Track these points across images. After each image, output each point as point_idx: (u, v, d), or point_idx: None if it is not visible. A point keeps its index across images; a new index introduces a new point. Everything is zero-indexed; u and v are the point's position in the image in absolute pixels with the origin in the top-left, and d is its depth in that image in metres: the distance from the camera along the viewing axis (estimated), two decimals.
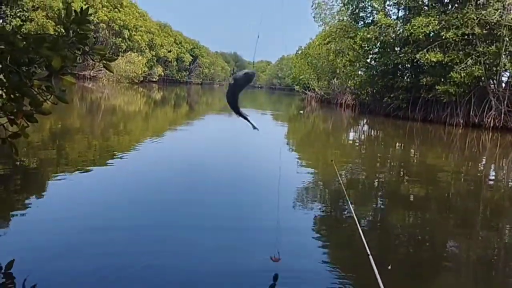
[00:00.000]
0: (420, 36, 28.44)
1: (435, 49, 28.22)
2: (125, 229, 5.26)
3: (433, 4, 30.70)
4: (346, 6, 38.24)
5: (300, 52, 66.20)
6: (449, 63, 27.89)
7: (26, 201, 6.07)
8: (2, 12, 43.27)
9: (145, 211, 6.11)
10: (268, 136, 16.51)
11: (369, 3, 36.06)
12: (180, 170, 9.25)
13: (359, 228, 3.39)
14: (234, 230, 5.61)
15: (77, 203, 6.15)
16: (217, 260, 4.56)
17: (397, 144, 19.74)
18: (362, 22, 37.83)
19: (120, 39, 68.94)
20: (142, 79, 68.91)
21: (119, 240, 4.91)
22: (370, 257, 2.86)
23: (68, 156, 9.84)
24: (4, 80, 3.47)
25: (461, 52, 27.77)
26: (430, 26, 27.81)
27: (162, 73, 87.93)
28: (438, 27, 27.74)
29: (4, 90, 3.56)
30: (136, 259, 4.41)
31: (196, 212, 6.24)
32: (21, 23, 43.63)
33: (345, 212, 6.74)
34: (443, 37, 27.44)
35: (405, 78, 34.54)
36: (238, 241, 5.22)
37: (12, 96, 3.55)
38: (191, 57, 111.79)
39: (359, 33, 34.40)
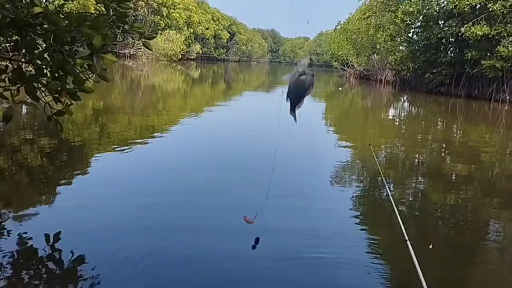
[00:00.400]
0: (466, 9, 27.29)
1: (481, 22, 27.08)
2: (163, 204, 5.39)
3: None
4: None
5: (339, 27, 64.92)
6: (496, 37, 26.71)
7: (71, 177, 6.28)
8: None
9: (183, 189, 6.22)
10: (305, 115, 16.35)
11: None
12: (217, 150, 9.33)
13: (396, 212, 3.33)
14: (269, 206, 5.64)
15: (118, 180, 6.33)
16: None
17: (439, 121, 19.20)
18: None
19: (158, 17, 69.42)
20: (180, 57, 69.32)
21: (156, 214, 5.04)
22: (408, 243, 2.81)
23: (110, 134, 10.08)
24: (49, 59, 3.57)
25: (509, 25, 26.49)
26: None
27: (200, 51, 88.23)
28: None
29: (48, 69, 3.66)
30: (171, 233, 4.52)
31: (228, 192, 6.31)
32: (63, 2, 44.47)
33: (383, 195, 6.64)
34: (490, 9, 26.24)
35: (449, 53, 33.40)
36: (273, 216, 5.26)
37: (56, 74, 3.64)
38: (228, 34, 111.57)
39: (400, 7, 33.38)
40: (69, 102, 3.82)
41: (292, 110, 2.73)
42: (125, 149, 8.24)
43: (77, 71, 3.58)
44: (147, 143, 9.20)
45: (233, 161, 8.26)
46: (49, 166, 6.84)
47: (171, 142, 9.53)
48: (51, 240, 4.09)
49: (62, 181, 6.02)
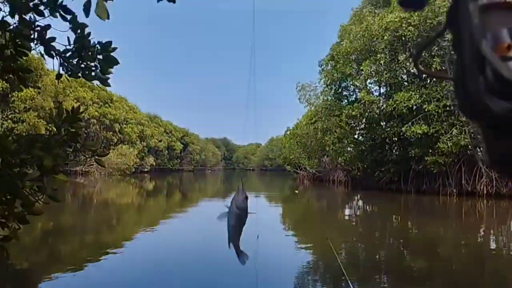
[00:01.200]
0: (404, 110, 29.26)
1: (419, 122, 28.93)
2: None
3: (412, 79, 31.96)
4: (329, 87, 39.64)
5: (288, 132, 67.54)
6: (435, 134, 28.47)
7: None
8: None
9: None
10: (263, 218, 16.30)
11: (351, 82, 37.44)
12: (175, 264, 8.99)
13: None
14: None
15: None
16: None
17: (394, 218, 19.55)
18: (346, 100, 39.06)
19: (111, 132, 70.04)
20: (134, 170, 69.15)
21: None
22: None
23: (60, 255, 9.57)
24: None
25: (445, 123, 28.46)
26: (412, 100, 28.71)
27: (154, 163, 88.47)
28: (420, 100, 28.63)
29: None
30: None
31: None
32: (13, 125, 44.40)
33: None
34: (426, 110, 28.23)
35: (394, 151, 35.09)
36: None
37: (3, 198, 3.51)
38: (181, 145, 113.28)
39: (344, 111, 35.35)
40: (16, 227, 3.64)
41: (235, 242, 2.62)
42: (76, 271, 7.79)
43: (27, 193, 3.46)
44: (99, 262, 8.76)
45: (187, 272, 7.94)
46: None
47: (122, 262, 9.08)
48: None
49: None
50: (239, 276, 7.84)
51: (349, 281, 4.12)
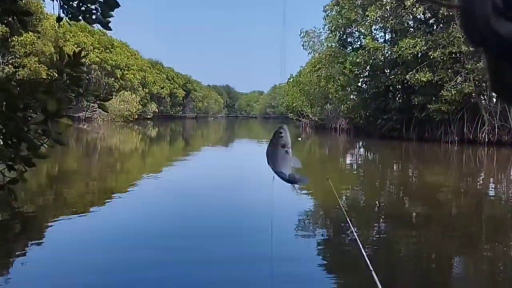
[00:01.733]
0: (408, 57, 28.89)
1: (424, 69, 28.62)
2: (125, 271, 5.20)
3: (419, 26, 31.33)
4: (333, 33, 38.94)
5: (291, 80, 66.98)
6: (439, 82, 28.25)
7: (25, 247, 6.00)
8: None
9: (142, 251, 6.04)
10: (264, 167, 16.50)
11: (356, 29, 36.75)
12: (178, 205, 9.21)
13: (363, 251, 3.36)
14: (232, 259, 5.56)
15: (76, 247, 6.09)
16: None
17: (395, 165, 19.76)
18: (350, 47, 38.49)
19: (112, 79, 69.63)
20: (136, 116, 69.26)
21: (118, 282, 4.85)
22: (374, 273, 2.83)
23: (66, 199, 9.79)
24: (1, 127, 3.50)
25: (450, 71, 28.18)
26: (417, 47, 28.29)
27: (156, 110, 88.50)
28: (425, 47, 28.21)
29: (1, 137, 3.58)
30: None
31: (194, 245, 6.20)
32: (14, 70, 44.07)
33: (347, 235, 6.70)
34: (431, 57, 27.87)
35: (397, 99, 34.94)
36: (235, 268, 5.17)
37: (9, 142, 3.56)
38: (184, 92, 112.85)
39: (348, 58, 34.94)
40: (23, 169, 3.72)
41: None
42: (82, 215, 8.00)
43: (32, 137, 3.51)
44: (105, 207, 8.97)
45: (190, 216, 8.15)
46: (2, 238, 6.53)
47: (127, 205, 9.29)
48: None
49: (16, 254, 5.74)
50: (252, 219, 8.06)
51: (350, 223, 4.22)
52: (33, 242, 6.26)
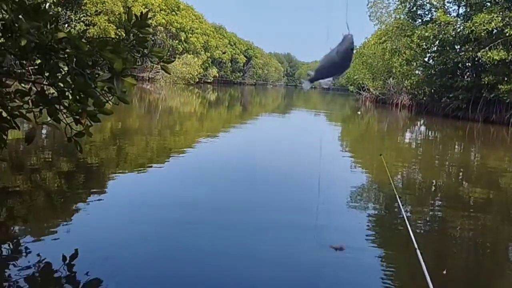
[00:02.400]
0: (482, 34, 27.28)
1: (498, 47, 27.00)
2: (180, 226, 5.41)
3: (496, 0, 29.35)
4: (403, 4, 37.29)
5: (354, 51, 65.14)
6: None
7: (88, 197, 6.36)
8: (67, 17, 45.45)
9: (198, 209, 6.25)
10: (321, 137, 16.42)
11: (428, 0, 34.98)
12: (234, 170, 9.38)
13: (409, 229, 3.31)
14: (285, 227, 5.64)
15: (135, 200, 6.39)
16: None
17: (456, 146, 19.03)
18: (419, 20, 36.78)
19: (176, 41, 70.71)
20: (197, 80, 70.31)
21: (174, 236, 5.06)
22: (418, 252, 2.80)
23: (128, 155, 10.21)
24: (71, 82, 3.68)
25: None
26: (493, 23, 26.62)
27: (217, 74, 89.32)
28: (502, 23, 26.50)
29: (70, 92, 3.77)
30: (189, 256, 4.55)
31: (247, 210, 6.34)
32: (85, 28, 45.69)
33: (397, 216, 6.60)
34: (507, 34, 26.18)
35: (465, 77, 33.28)
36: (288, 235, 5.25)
37: (77, 97, 3.76)
38: (245, 58, 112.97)
39: (416, 31, 33.48)
40: (89, 124, 3.92)
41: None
42: (142, 171, 8.35)
43: (98, 93, 3.68)
44: (163, 164, 9.31)
45: (251, 184, 8.30)
46: (67, 188, 6.95)
47: (185, 165, 9.59)
48: (67, 260, 4.14)
49: (79, 202, 6.10)
50: (300, 191, 8.12)
51: (399, 200, 4.17)
52: (94, 193, 6.62)
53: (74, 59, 3.59)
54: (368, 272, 4.55)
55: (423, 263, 2.66)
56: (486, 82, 28.44)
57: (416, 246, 2.93)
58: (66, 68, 3.74)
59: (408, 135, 22.84)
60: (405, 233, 3.41)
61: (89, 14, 48.78)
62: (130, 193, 6.78)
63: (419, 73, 38.61)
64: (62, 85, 3.77)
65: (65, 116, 3.94)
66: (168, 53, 63.71)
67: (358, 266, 4.63)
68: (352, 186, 8.49)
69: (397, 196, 4.59)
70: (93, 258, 4.23)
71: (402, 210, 4.82)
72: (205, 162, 9.97)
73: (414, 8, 36.71)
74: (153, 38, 63.05)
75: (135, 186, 7.24)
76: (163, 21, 65.99)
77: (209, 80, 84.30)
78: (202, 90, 57.23)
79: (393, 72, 46.37)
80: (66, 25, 45.08)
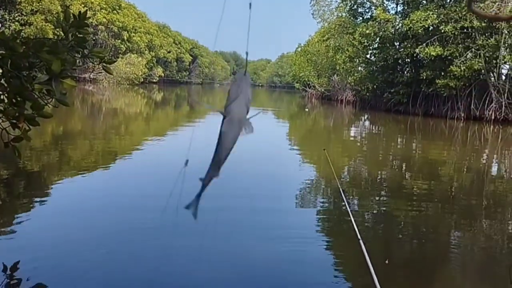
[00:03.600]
0: (419, 31, 28.46)
1: (434, 43, 28.23)
2: (126, 229, 5.30)
3: None
4: (344, 2, 38.27)
5: (299, 49, 66.20)
6: (449, 57, 27.93)
7: (30, 204, 6.11)
8: (0, 17, 43.34)
9: (145, 213, 6.14)
10: (269, 134, 16.55)
11: None
12: (173, 170, 9.27)
13: (354, 223, 3.41)
14: (231, 225, 5.65)
15: (79, 206, 6.19)
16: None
17: (399, 139, 19.75)
18: (360, 18, 37.85)
19: (119, 40, 68.96)
20: (142, 80, 68.93)
21: (121, 240, 4.95)
22: (361, 241, 2.89)
23: (70, 159, 9.88)
24: (6, 85, 3.51)
25: (460, 46, 27.80)
26: (429, 20, 27.83)
27: (162, 74, 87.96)
28: (437, 21, 27.74)
29: (6, 95, 3.60)
30: (137, 260, 4.46)
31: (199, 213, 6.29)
32: (20, 28, 43.71)
33: (342, 210, 6.77)
34: (442, 31, 27.45)
35: (405, 72, 34.59)
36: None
37: (13, 100, 3.58)
38: (190, 57, 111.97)
39: (358, 29, 34.42)
40: (27, 128, 3.75)
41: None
42: (85, 175, 8.09)
43: (36, 96, 3.53)
44: (109, 168, 9.08)
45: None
46: (6, 195, 6.64)
47: (133, 167, 9.39)
48: (9, 271, 3.96)
49: (20, 210, 5.84)
50: (241, 188, 8.13)
51: (342, 194, 4.29)
52: (36, 199, 6.36)
53: (9, 61, 3.43)
54: (314, 263, 4.64)
55: (366, 253, 2.74)
56: (424, 77, 29.68)
57: (359, 236, 3.02)
58: (0, 71, 3.56)
59: (353, 130, 23.49)
60: (349, 224, 3.50)
61: (24, 14, 46.73)
62: (74, 198, 6.56)
63: (362, 69, 39.77)
64: None
65: (1, 120, 3.76)
66: (111, 53, 62.16)
67: (305, 258, 4.72)
68: (299, 182, 8.62)
69: (340, 190, 4.71)
70: (36, 266, 4.07)
71: (346, 203, 4.97)
72: (151, 165, 9.77)
73: (355, 6, 37.75)
74: (94, 38, 61.21)
75: (78, 191, 7.02)
76: (104, 20, 64.14)
77: (154, 80, 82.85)
78: (148, 90, 56.25)
79: (337, 69, 47.48)
80: (0, 25, 42.98)
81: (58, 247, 4.62)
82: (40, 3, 48.43)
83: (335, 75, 50.20)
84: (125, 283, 3.93)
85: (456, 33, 27.29)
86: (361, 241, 2.92)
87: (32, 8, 47.66)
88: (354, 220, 3.43)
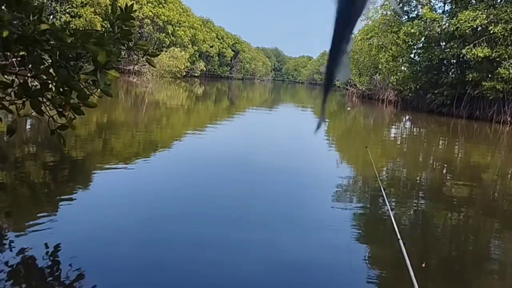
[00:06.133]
0: (467, 31, 27.54)
1: (482, 44, 27.29)
2: (164, 220, 5.42)
3: None
4: (389, 0, 37.48)
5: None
6: (497, 59, 26.92)
7: (73, 191, 6.33)
8: (52, 8, 44.85)
9: (184, 203, 6.26)
10: (306, 133, 16.48)
11: None
12: (221, 164, 9.39)
13: (394, 223, 3.37)
14: (272, 223, 5.68)
15: (120, 194, 6.38)
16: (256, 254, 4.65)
17: (441, 141, 19.25)
18: (406, 16, 36.99)
19: (163, 34, 70.10)
20: (184, 73, 69.81)
21: (160, 230, 5.07)
22: (401, 242, 2.85)
23: (113, 148, 10.16)
24: (54, 74, 3.66)
25: (510, 47, 26.73)
26: (478, 20, 26.88)
27: (204, 68, 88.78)
28: (486, 21, 26.77)
29: (53, 84, 3.75)
30: (174, 250, 4.56)
31: (234, 206, 6.36)
32: (70, 19, 45.06)
33: (382, 209, 6.68)
34: (491, 32, 26.48)
35: (450, 74, 33.59)
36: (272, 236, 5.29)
37: (60, 89, 3.73)
38: (232, 52, 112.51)
39: (402, 28, 33.67)
40: (72, 117, 3.90)
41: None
42: (127, 165, 8.30)
43: (82, 86, 3.66)
44: (150, 159, 9.28)
45: (237, 175, 8.32)
46: (51, 180, 6.90)
47: (172, 158, 9.59)
48: (51, 253, 4.13)
49: (63, 195, 6.07)
50: (282, 183, 8.15)
51: (384, 194, 4.23)
52: (78, 186, 6.59)
53: (57, 51, 3.57)
54: (349, 259, 4.61)
55: (405, 254, 2.71)
56: (470, 79, 28.74)
57: (399, 236, 2.99)
58: (49, 60, 3.71)
59: (393, 130, 23.04)
60: (389, 224, 3.47)
61: (74, 6, 48.11)
62: (115, 187, 6.75)
63: (405, 69, 38.87)
64: (45, 77, 3.74)
65: (48, 108, 3.92)
66: (155, 46, 63.29)
67: (340, 253, 4.70)
68: (339, 179, 8.56)
69: (382, 189, 4.65)
70: (77, 251, 4.23)
71: (387, 204, 4.88)
72: (191, 157, 9.96)
73: (401, 4, 36.90)
74: (139, 31, 62.48)
75: (120, 180, 7.21)
76: (150, 13, 65.36)
77: (196, 74, 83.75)
78: (189, 84, 56.97)
79: (379, 68, 46.58)
80: (51, 16, 44.50)
81: (97, 235, 4.78)
82: None
83: (377, 74, 49.32)
84: (160, 272, 4.02)
85: (506, 34, 26.26)
86: (401, 241, 2.89)
87: (82, 0, 49.03)
88: (394, 221, 3.38)
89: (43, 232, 4.63)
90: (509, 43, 26.79)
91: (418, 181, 9.81)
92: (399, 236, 3.03)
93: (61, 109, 3.82)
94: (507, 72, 26.10)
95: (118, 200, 6.02)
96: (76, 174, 7.44)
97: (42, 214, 5.22)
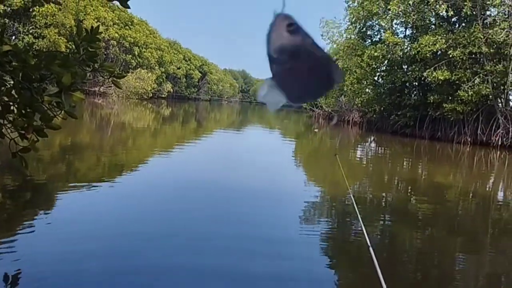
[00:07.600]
0: (427, 55, 28.54)
1: (442, 68, 28.29)
2: (129, 241, 5.31)
3: (440, 23, 30.87)
4: (353, 25, 38.55)
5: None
6: (457, 82, 27.93)
7: (34, 215, 6.14)
8: (15, 29, 44.01)
9: (148, 225, 6.15)
10: (275, 153, 16.60)
11: (377, 22, 36.34)
12: (187, 188, 9.30)
13: (367, 238, 3.40)
14: (239, 240, 5.64)
15: (83, 219, 6.21)
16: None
17: (405, 161, 19.69)
18: (369, 40, 38.10)
19: (130, 56, 69.74)
20: (151, 95, 69.42)
21: (121, 255, 4.96)
22: (371, 249, 2.89)
23: (77, 171, 9.94)
24: (16, 96, 3.57)
25: (468, 71, 27.82)
26: (437, 45, 27.91)
27: (171, 90, 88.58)
28: (445, 45, 27.83)
29: (16, 106, 3.66)
30: (141, 271, 4.46)
31: (199, 224, 6.29)
32: (34, 40, 44.31)
33: (353, 224, 6.75)
34: (450, 56, 27.51)
35: (413, 96, 34.61)
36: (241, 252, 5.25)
37: (23, 111, 3.64)
38: (200, 74, 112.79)
39: (366, 51, 34.58)
40: (35, 139, 3.80)
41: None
42: (91, 188, 8.12)
43: (45, 108, 3.59)
44: (115, 182, 9.11)
45: (204, 197, 8.25)
46: (11, 205, 6.68)
47: (140, 181, 9.44)
48: (10, 280, 3.97)
49: (25, 220, 5.87)
50: (254, 206, 8.13)
51: (357, 212, 4.27)
52: (40, 210, 6.40)
53: (20, 73, 3.49)
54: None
55: (378, 267, 2.74)
56: (431, 101, 29.66)
57: (369, 243, 3.01)
58: (11, 82, 3.62)
59: (359, 151, 23.43)
60: (362, 243, 3.50)
61: (38, 27, 47.42)
62: (78, 211, 6.58)
63: (369, 91, 39.80)
64: (6, 99, 3.64)
65: (10, 131, 3.81)
66: (121, 68, 62.74)
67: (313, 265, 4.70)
68: (309, 198, 8.61)
69: (355, 207, 4.69)
70: (39, 277, 4.08)
71: (361, 222, 4.88)
72: (157, 180, 9.81)
73: (364, 28, 38.03)
74: (105, 52, 61.96)
75: (83, 205, 7.03)
76: (116, 35, 64.99)
77: (163, 95, 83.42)
78: (156, 105, 56.62)
79: (344, 90, 47.52)
80: (14, 37, 43.62)
81: (59, 258, 4.64)
82: (54, 17, 49.20)
83: (343, 96, 50.27)
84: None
85: (464, 58, 27.35)
86: (371, 249, 2.92)
87: (46, 21, 48.38)
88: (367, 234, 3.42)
89: (3, 260, 4.46)
90: (468, 67, 27.89)
91: (382, 202, 9.97)
92: (369, 243, 3.07)
93: (23, 132, 3.72)
94: (466, 95, 27.10)
95: (81, 226, 5.86)
96: (38, 198, 7.23)
97: (1, 241, 5.03)
